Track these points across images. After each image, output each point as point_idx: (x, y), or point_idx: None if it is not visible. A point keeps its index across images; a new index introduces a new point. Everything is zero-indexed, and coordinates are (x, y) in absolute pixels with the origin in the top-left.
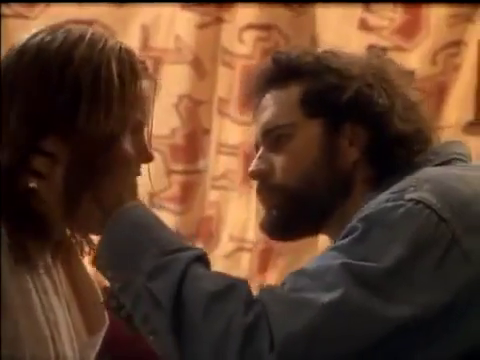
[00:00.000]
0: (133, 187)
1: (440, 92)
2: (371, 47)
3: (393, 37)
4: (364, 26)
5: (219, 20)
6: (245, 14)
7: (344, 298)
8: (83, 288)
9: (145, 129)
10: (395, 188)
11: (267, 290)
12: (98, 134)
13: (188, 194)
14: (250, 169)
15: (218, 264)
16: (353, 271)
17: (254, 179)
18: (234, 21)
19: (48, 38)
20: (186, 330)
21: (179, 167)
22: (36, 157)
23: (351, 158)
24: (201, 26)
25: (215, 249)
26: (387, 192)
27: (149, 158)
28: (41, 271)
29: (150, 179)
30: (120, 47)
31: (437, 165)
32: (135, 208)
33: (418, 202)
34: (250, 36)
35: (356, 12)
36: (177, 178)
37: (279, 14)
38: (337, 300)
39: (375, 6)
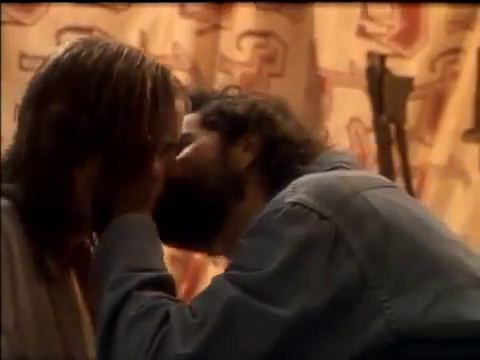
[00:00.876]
0: (149, 202)
1: (439, 99)
2: (370, 54)
3: (392, 44)
4: (362, 33)
5: (217, 27)
6: (243, 21)
7: (228, 309)
8: None
9: (174, 149)
10: (276, 197)
11: (178, 310)
12: (131, 150)
13: None
14: None
15: (212, 270)
16: (236, 281)
17: None
18: (232, 28)
19: (85, 52)
20: (112, 349)
21: None
22: (71, 166)
23: (244, 162)
24: (199, 33)
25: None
26: (269, 203)
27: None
28: (57, 285)
29: None
30: (156, 65)
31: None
32: (132, 218)
33: (295, 204)
34: (248, 43)
35: (354, 19)
36: None
37: (277, 21)
38: (222, 313)
39: (374, 13)
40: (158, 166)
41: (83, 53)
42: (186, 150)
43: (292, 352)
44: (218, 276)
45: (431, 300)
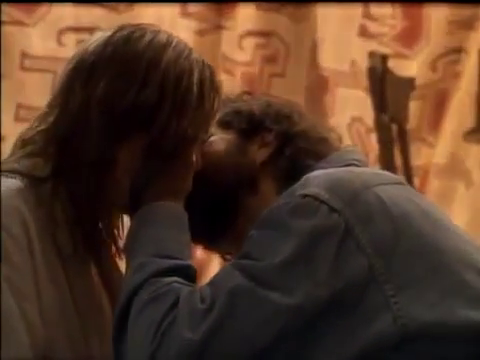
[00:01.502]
0: (183, 193)
1: (440, 99)
2: (372, 54)
3: (393, 44)
4: (364, 33)
5: (219, 27)
6: (245, 21)
7: (234, 296)
8: (115, 288)
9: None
10: (287, 191)
11: (188, 295)
12: (173, 138)
13: None
14: None
15: (215, 268)
16: (244, 270)
17: None
18: (234, 28)
19: (137, 34)
20: (124, 333)
21: None
22: (115, 146)
23: (259, 159)
24: (201, 33)
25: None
26: (281, 196)
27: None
28: (76, 266)
29: None
30: (203, 61)
31: None
32: (164, 205)
33: (306, 196)
34: (250, 43)
35: (356, 19)
36: None
37: (279, 21)
38: (228, 300)
39: (375, 13)
40: (195, 156)
41: (135, 35)
42: (203, 147)
43: (295, 342)
44: (227, 265)
45: (437, 297)
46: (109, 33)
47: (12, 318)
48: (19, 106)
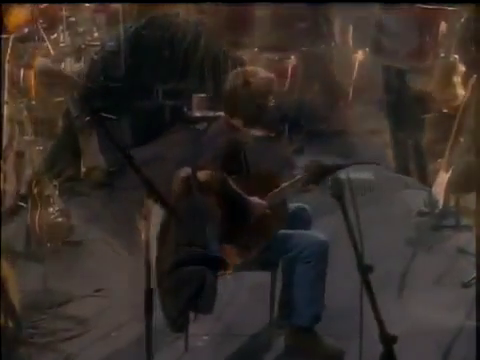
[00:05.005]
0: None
1: (456, 114)
2: (387, 69)
3: (408, 59)
4: (379, 48)
5: (235, 43)
6: (261, 37)
7: None
8: None
9: None
10: (314, 191)
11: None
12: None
13: None
14: None
15: None
16: None
17: None
18: (250, 44)
19: (171, 21)
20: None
21: None
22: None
23: (284, 155)
24: None
25: None
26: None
27: None
28: None
29: None
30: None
31: None
32: (197, 200)
33: (332, 195)
34: (265, 58)
35: (371, 34)
36: None
37: (293, 37)
38: None
39: (390, 28)
40: None
41: (170, 20)
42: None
43: None
44: None
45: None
46: (142, 21)
47: None
48: (37, 121)
